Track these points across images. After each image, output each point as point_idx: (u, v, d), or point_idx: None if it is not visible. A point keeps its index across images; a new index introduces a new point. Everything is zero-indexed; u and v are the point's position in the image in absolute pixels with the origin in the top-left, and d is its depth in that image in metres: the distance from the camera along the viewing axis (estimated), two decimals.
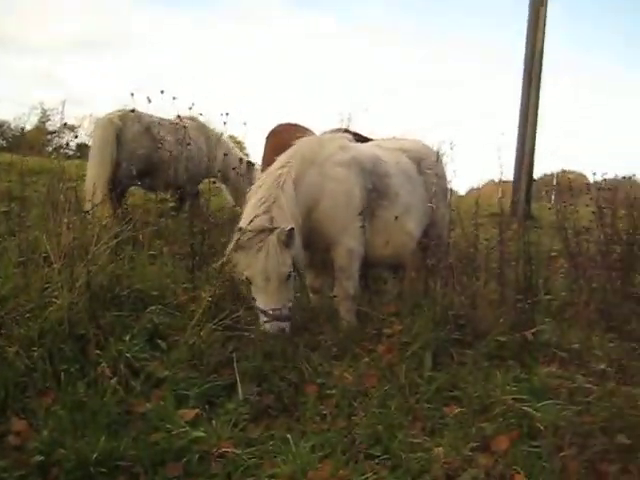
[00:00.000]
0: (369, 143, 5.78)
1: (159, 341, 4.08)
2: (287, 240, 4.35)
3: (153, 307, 4.46)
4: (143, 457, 2.95)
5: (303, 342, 4.36)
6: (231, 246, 4.49)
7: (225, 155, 8.51)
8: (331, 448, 3.15)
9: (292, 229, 4.37)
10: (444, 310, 4.62)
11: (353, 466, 3.00)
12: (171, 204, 7.92)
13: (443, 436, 3.35)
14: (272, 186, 4.57)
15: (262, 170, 5.32)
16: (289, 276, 4.43)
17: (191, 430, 3.18)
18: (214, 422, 3.31)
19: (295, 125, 8.02)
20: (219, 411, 3.49)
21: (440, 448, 3.18)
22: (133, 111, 7.77)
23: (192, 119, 8.97)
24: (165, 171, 8.10)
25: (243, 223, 4.47)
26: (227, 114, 5.94)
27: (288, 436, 3.18)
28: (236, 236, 4.43)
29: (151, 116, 8.50)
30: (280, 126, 8.39)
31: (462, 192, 15.29)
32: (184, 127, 7.44)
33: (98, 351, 3.80)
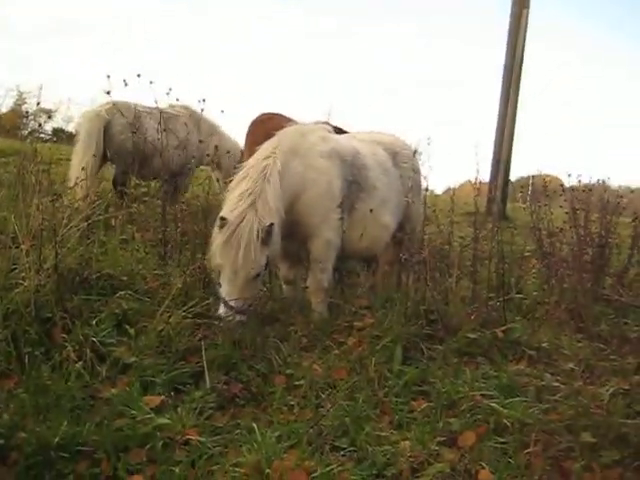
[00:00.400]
0: (345, 135, 5.75)
1: (127, 327, 4.02)
2: (266, 237, 4.34)
3: (122, 292, 4.41)
4: (106, 443, 2.90)
5: (273, 332, 4.34)
6: (214, 233, 4.46)
7: (216, 144, 8.41)
8: (297, 439, 3.12)
9: (272, 225, 4.36)
10: (416, 305, 4.62)
11: (319, 457, 2.97)
12: (143, 189, 7.85)
13: (410, 430, 3.33)
14: (258, 178, 4.53)
15: (244, 160, 5.26)
16: (258, 275, 4.43)
17: (156, 417, 3.14)
18: (180, 409, 3.27)
19: (278, 115, 7.96)
20: (185, 398, 3.45)
21: (407, 442, 3.17)
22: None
23: (185, 108, 9.01)
24: (152, 160, 8.06)
25: (225, 213, 4.43)
26: (204, 100, 5.83)
27: (254, 425, 3.15)
28: (217, 224, 4.39)
29: (141, 106, 8.44)
30: (263, 115, 8.31)
31: (439, 191, 15.36)
32: (175, 116, 7.40)
33: (64, 335, 3.74)
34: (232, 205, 4.46)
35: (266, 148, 4.78)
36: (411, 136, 9.67)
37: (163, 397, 3.38)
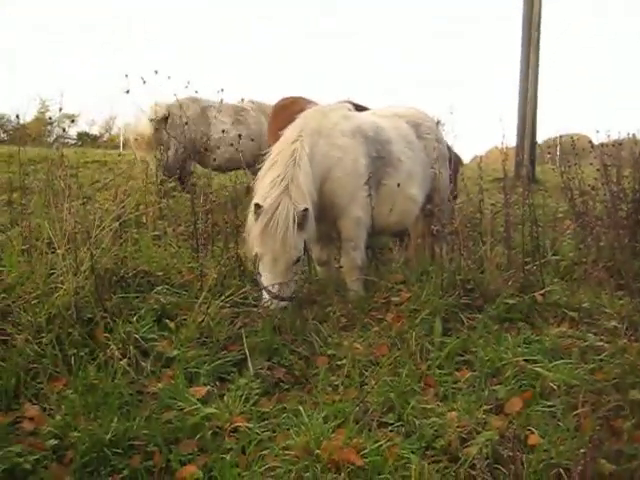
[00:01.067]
0: (366, 112, 5.71)
1: (167, 321, 4.07)
2: (302, 222, 4.36)
3: (159, 287, 4.47)
4: (156, 436, 2.94)
5: (312, 315, 4.35)
6: (249, 222, 4.49)
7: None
8: (344, 417, 3.13)
9: (306, 210, 4.38)
10: (452, 275, 4.60)
11: (367, 434, 2.97)
12: (171, 184, 7.96)
13: (456, 401, 3.32)
14: (288, 163, 4.54)
15: (269, 144, 5.26)
16: (298, 260, 4.46)
17: (203, 407, 3.17)
18: (226, 398, 3.30)
19: (300, 98, 7.95)
20: (230, 387, 3.47)
21: (453, 413, 3.16)
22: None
23: (252, 102, 9.59)
24: (216, 151, 8.38)
25: (259, 199, 4.44)
26: (222, 90, 5.85)
27: (300, 408, 3.17)
28: (252, 212, 4.42)
29: (207, 100, 9.12)
30: (285, 99, 8.30)
31: (466, 160, 15.22)
32: (244, 109, 7.64)
33: (106, 334, 3.79)
34: (265, 192, 4.47)
35: (291, 132, 4.78)
36: (433, 107, 9.63)
37: (208, 387, 3.42)
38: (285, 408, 3.30)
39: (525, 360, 3.64)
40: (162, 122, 8.86)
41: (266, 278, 4.38)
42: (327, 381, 3.58)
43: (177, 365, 3.59)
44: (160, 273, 4.76)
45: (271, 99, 9.06)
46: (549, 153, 8.74)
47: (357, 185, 4.87)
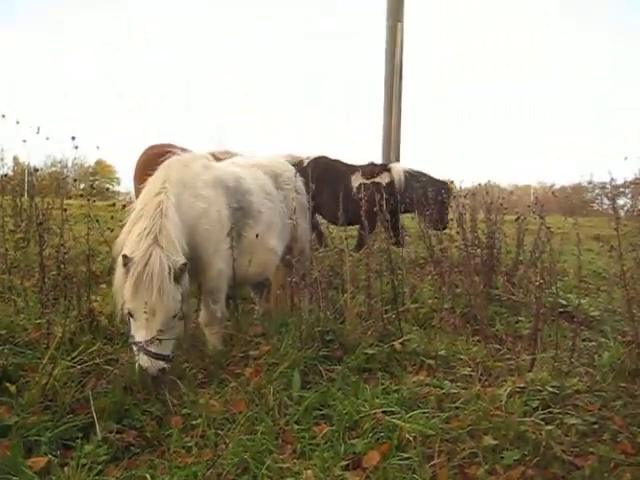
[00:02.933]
0: (224, 162, 5.63)
1: (7, 384, 3.76)
2: (179, 275, 4.12)
3: (1, 347, 4.14)
4: None
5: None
6: (117, 275, 4.20)
7: None
8: None
9: (185, 264, 4.18)
10: (310, 327, 4.56)
11: None
12: (18, 235, 7.49)
13: (313, 457, 3.25)
14: (155, 215, 4.29)
15: (136, 195, 5.02)
16: (176, 314, 4.14)
17: None
18: (66, 469, 3.04)
19: (169, 145, 7.70)
20: (76, 454, 3.23)
21: (309, 471, 3.08)
22: None
23: None
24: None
25: (129, 252, 4.15)
26: (74, 138, 5.51)
27: (147, 475, 2.98)
28: (121, 265, 4.12)
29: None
30: (153, 147, 7.99)
31: None
32: None
33: None
34: (133, 245, 4.18)
35: (154, 183, 4.55)
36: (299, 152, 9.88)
37: (49, 457, 3.15)
38: (134, 475, 3.09)
39: (383, 411, 3.62)
40: None
41: (141, 335, 4.01)
42: (181, 442, 3.40)
43: (15, 434, 3.30)
44: (3, 331, 4.42)
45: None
46: None
47: (221, 237, 4.75)
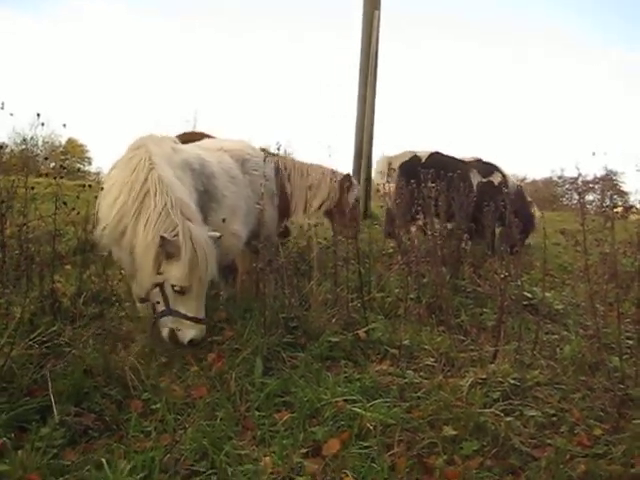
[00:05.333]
0: (190, 144, 5.52)
1: None
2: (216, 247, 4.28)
3: None
4: None
5: (128, 354, 4.11)
6: (152, 255, 4.13)
7: None
8: (153, 468, 2.95)
9: (220, 237, 4.41)
10: (275, 313, 4.54)
11: None
12: None
13: (273, 444, 3.24)
14: (164, 190, 4.26)
15: None
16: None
17: None
18: (21, 452, 2.98)
19: (201, 133, 7.60)
20: (31, 437, 3.17)
21: (268, 458, 3.07)
22: None
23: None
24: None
25: (156, 230, 4.12)
26: (39, 115, 5.37)
27: (103, 460, 2.93)
28: (157, 245, 4.08)
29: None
30: (186, 135, 7.74)
31: None
32: None
33: None
34: (159, 224, 4.16)
35: (139, 159, 4.43)
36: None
37: (4, 439, 3.09)
38: (91, 459, 3.05)
39: (345, 400, 3.62)
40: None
41: (191, 308, 4.10)
42: (140, 427, 3.36)
43: None
44: None
45: None
46: (378, 190, 8.97)
47: None
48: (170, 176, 4.39)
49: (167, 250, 4.06)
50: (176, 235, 4.08)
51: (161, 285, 4.14)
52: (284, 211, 6.74)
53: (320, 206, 7.33)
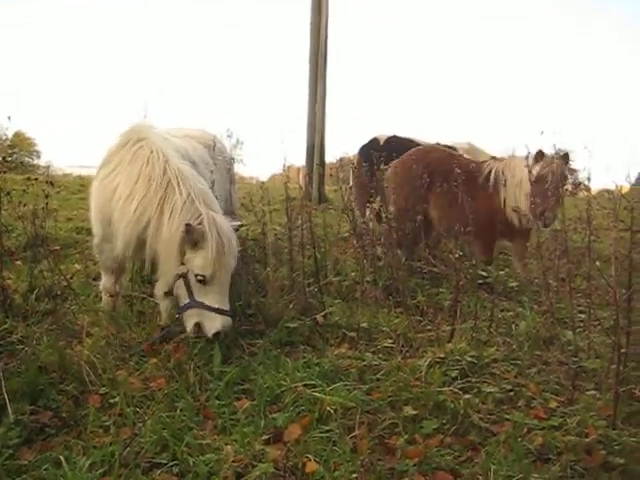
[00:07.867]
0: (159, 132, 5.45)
1: None
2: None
3: None
4: None
5: (83, 348, 4.04)
6: (177, 244, 4.12)
7: None
8: (113, 462, 2.91)
9: (242, 225, 4.48)
10: (232, 301, 4.51)
11: (136, 479, 2.78)
12: None
13: (234, 433, 3.22)
14: (185, 181, 4.27)
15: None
16: None
17: None
18: None
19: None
20: None
21: (230, 446, 3.05)
22: None
23: (467, 143, 10.06)
24: None
25: (181, 218, 4.12)
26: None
27: (61, 457, 2.89)
28: (181, 233, 4.07)
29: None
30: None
31: (264, 178, 15.30)
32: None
33: None
34: (184, 213, 4.15)
35: (147, 151, 4.42)
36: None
37: None
38: (48, 457, 2.99)
39: (304, 385, 3.62)
40: None
41: (215, 299, 4.08)
42: (98, 422, 3.30)
43: None
44: None
45: None
46: (331, 175, 8.98)
47: None
48: (187, 167, 4.42)
49: (192, 238, 4.05)
50: (200, 223, 4.08)
51: (185, 276, 4.12)
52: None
53: None
